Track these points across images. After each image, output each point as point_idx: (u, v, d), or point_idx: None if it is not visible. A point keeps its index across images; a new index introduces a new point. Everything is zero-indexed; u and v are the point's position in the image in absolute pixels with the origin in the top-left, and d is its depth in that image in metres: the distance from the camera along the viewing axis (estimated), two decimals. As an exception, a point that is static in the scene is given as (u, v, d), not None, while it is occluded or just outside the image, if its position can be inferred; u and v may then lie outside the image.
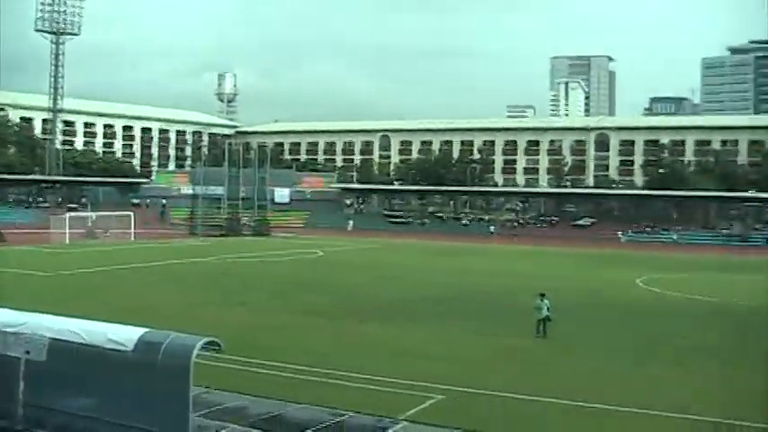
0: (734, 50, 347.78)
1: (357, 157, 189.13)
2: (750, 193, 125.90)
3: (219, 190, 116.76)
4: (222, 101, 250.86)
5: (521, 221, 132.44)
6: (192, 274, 57.92)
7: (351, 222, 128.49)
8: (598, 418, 21.91)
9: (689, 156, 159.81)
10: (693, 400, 23.62)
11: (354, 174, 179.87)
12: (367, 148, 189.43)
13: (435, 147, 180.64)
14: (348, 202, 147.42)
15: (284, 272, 60.86)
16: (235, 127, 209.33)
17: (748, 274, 66.94)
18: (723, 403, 23.44)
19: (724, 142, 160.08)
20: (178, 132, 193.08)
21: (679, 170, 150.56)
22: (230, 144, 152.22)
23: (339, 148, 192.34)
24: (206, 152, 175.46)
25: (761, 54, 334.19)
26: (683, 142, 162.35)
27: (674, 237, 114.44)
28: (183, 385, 14.83)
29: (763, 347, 32.94)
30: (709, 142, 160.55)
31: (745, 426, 20.72)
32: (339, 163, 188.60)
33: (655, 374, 27.54)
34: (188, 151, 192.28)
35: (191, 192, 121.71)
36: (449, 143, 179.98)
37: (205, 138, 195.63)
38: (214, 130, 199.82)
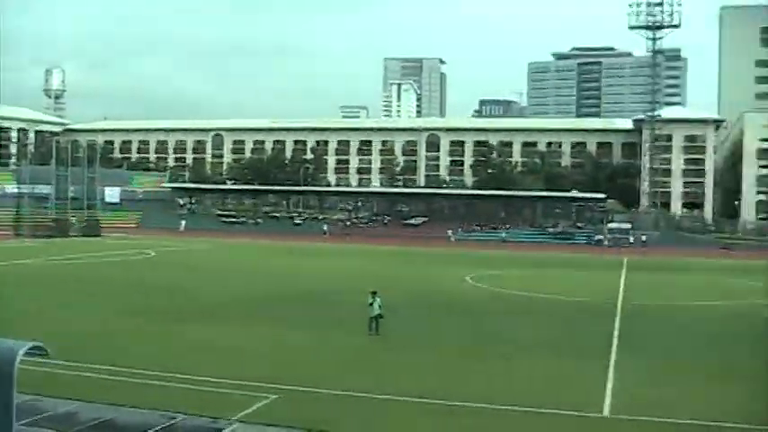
0: (558, 56, 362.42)
1: (189, 156, 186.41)
2: (573, 193, 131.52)
3: (47, 189, 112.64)
4: (50, 97, 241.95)
5: (354, 221, 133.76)
6: (14, 276, 55.68)
7: (183, 222, 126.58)
8: (427, 412, 22.49)
9: (516, 157, 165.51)
10: (518, 392, 24.70)
11: (187, 173, 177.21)
12: (199, 147, 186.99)
13: (268, 146, 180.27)
14: (181, 201, 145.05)
15: (114, 273, 59.35)
16: (63, 124, 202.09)
17: (573, 270, 69.93)
18: (551, 393, 24.59)
19: (549, 144, 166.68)
20: (2, 129, 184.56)
21: (507, 170, 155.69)
22: (58, 142, 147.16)
23: (171, 146, 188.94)
24: (32, 150, 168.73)
25: (583, 60, 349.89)
26: (510, 144, 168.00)
27: (503, 235, 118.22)
28: (5, 392, 14.23)
29: (580, 339, 34.65)
30: (535, 144, 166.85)
31: (564, 413, 21.93)
32: (171, 162, 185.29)
33: (481, 368, 28.45)
34: (13, 149, 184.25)
35: (15, 191, 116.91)
36: (282, 143, 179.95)
37: (31, 135, 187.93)
38: (41, 128, 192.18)
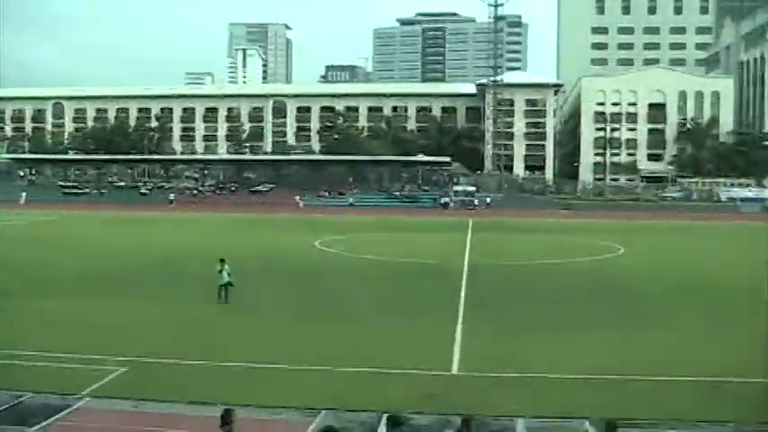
0: (403, 22, 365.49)
1: (28, 126, 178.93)
2: (419, 157, 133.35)
3: None
4: None
5: (200, 189, 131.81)
6: None
7: (24, 195, 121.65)
8: (276, 377, 22.53)
9: (362, 122, 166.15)
10: (367, 354, 25.02)
11: (26, 143, 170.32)
12: (39, 117, 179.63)
13: (111, 115, 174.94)
14: (21, 173, 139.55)
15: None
16: None
17: (420, 233, 71.03)
18: (400, 354, 25.00)
19: (395, 108, 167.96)
20: None
21: (353, 136, 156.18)
22: None
23: (8, 116, 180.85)
24: None
25: (427, 26, 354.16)
26: (356, 109, 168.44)
27: (351, 200, 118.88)
28: None
29: (428, 300, 35.30)
30: (380, 109, 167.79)
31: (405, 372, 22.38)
32: (9, 132, 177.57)
33: (331, 332, 28.63)
34: None
35: None
36: (125, 111, 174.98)
37: None
38: None
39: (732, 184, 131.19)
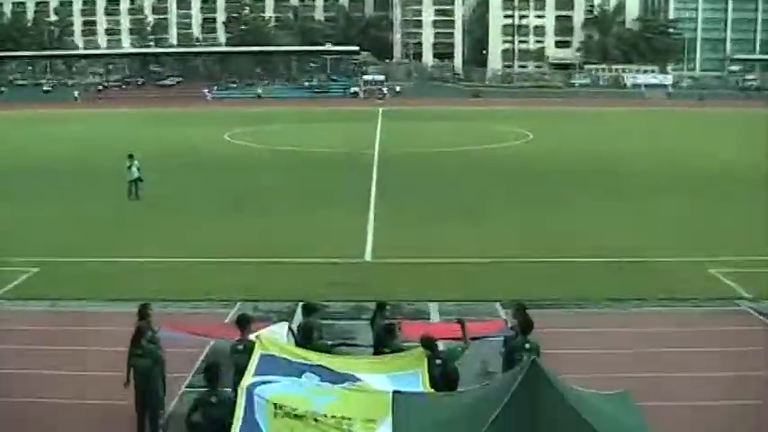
0: None
1: None
2: (327, 47, 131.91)
3: None
4: None
5: (106, 85, 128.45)
6: None
7: None
8: (190, 269, 22.63)
9: (269, 12, 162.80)
10: (279, 244, 25.25)
11: None
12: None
13: (7, 9, 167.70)
14: None
15: None
16: None
17: (330, 123, 70.83)
18: (313, 243, 25.28)
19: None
20: None
21: (260, 26, 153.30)
22: None
23: None
24: None
25: None
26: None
27: (259, 91, 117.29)
28: None
29: (340, 190, 35.49)
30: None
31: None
32: None
33: (243, 224, 28.71)
34: None
35: None
36: (22, 5, 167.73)
37: None
38: None
39: (637, 71, 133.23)
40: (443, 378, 10.92)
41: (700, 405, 13.87)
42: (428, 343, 12.04)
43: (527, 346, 12.45)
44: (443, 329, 13.60)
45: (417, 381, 11.03)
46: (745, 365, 15.56)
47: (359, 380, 11.18)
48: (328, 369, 11.35)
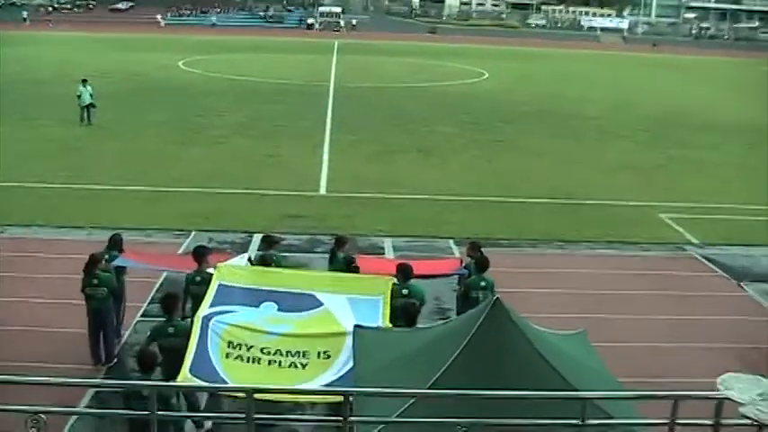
0: None
1: None
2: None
3: None
4: None
5: (56, 6, 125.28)
6: None
7: None
8: (144, 198, 22.47)
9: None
10: (233, 174, 25.15)
11: None
12: None
13: None
14: None
15: None
16: None
17: (285, 54, 70.01)
18: (269, 174, 25.20)
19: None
20: None
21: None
22: None
23: None
24: None
25: None
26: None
27: (214, 19, 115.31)
28: None
29: (295, 122, 35.27)
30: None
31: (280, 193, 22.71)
32: None
33: (197, 153, 28.54)
34: None
35: None
36: None
37: None
38: None
39: (594, 14, 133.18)
40: (403, 311, 11.00)
41: (649, 346, 14.22)
42: (405, 269, 12.19)
43: (482, 284, 12.64)
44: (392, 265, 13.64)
45: (378, 307, 11.10)
46: (688, 309, 15.98)
47: (319, 303, 11.22)
48: (287, 294, 11.39)
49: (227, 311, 10.95)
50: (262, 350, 10.35)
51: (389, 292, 11.35)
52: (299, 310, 11.11)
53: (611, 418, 7.26)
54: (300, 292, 11.39)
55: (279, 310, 11.12)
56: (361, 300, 11.22)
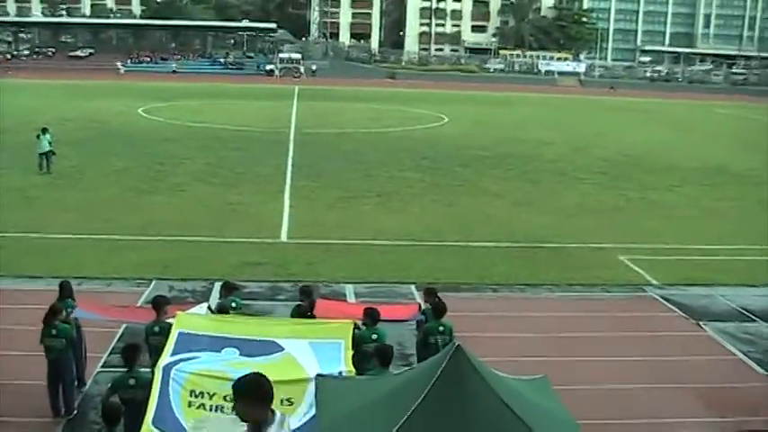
0: None
1: None
2: (243, 23, 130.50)
3: None
4: None
5: (14, 54, 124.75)
6: None
7: None
8: (104, 247, 22.29)
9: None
10: (195, 222, 25.08)
11: None
12: None
13: None
14: None
15: None
16: None
17: (245, 101, 70.21)
18: (229, 221, 25.16)
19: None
20: None
21: (176, 0, 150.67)
22: None
23: None
24: None
25: None
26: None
27: (174, 66, 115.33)
28: None
29: (255, 168, 35.26)
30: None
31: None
32: None
33: (157, 200, 28.41)
34: None
35: None
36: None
37: None
38: None
39: (551, 58, 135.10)
40: (380, 353, 10.95)
41: (612, 389, 14.30)
42: (372, 313, 12.26)
43: (441, 328, 12.73)
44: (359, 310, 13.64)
45: (340, 351, 11.07)
46: (650, 350, 16.11)
47: (280, 348, 11.17)
48: (248, 340, 11.33)
49: (189, 358, 10.87)
50: (224, 398, 10.28)
51: (351, 336, 11.36)
52: (261, 355, 11.07)
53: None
54: (262, 339, 11.36)
55: (240, 354, 11.07)
56: (323, 344, 11.21)
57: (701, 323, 17.82)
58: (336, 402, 8.48)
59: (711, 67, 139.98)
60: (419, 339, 13.30)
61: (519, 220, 27.23)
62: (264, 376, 6.32)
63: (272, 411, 6.20)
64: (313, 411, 9.37)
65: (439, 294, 13.80)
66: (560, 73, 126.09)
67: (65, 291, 13.73)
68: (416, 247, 23.31)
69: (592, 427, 9.44)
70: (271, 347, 11.17)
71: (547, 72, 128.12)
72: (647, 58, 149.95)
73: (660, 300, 19.37)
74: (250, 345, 11.22)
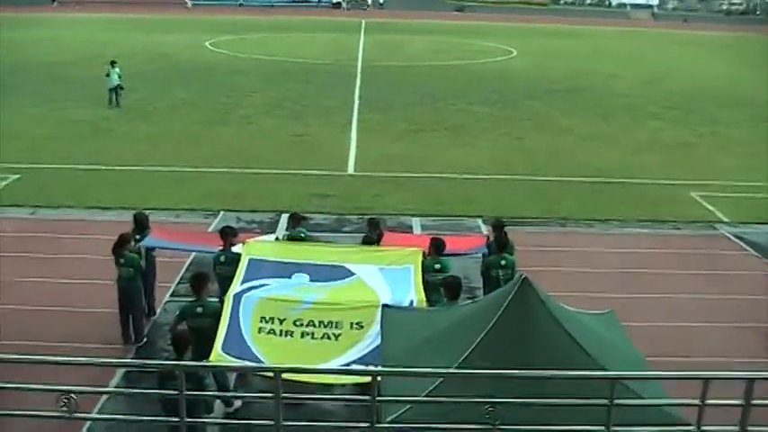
0: None
1: None
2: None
3: None
4: None
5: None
6: None
7: None
8: (173, 179, 22.52)
9: None
10: (263, 156, 25.17)
11: None
12: None
13: None
14: None
15: None
16: None
17: (313, 33, 69.86)
18: (297, 154, 25.21)
19: None
20: None
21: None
22: None
23: None
24: None
25: None
26: None
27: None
28: None
29: (323, 101, 35.19)
30: None
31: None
32: None
33: (225, 133, 28.55)
34: None
35: None
36: None
37: None
38: None
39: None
40: (447, 286, 10.81)
41: (678, 326, 14.13)
42: (438, 244, 12.25)
43: (502, 262, 12.63)
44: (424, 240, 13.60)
45: (410, 276, 11.09)
46: (719, 288, 15.85)
47: (351, 273, 11.23)
48: (318, 266, 11.40)
49: (259, 286, 10.99)
50: (294, 323, 10.39)
51: (420, 262, 11.38)
52: (332, 280, 11.13)
53: (640, 398, 7.21)
54: (332, 264, 11.42)
55: (311, 280, 11.16)
56: (393, 270, 11.24)
57: (772, 262, 17.48)
58: (400, 333, 8.50)
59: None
60: (481, 272, 13.26)
61: (589, 154, 26.81)
62: None
63: None
64: (379, 341, 9.41)
65: (506, 228, 13.68)
66: (633, 5, 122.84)
67: (140, 222, 13.90)
68: (484, 180, 23.14)
69: (656, 363, 9.29)
70: (341, 272, 11.24)
71: (619, 5, 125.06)
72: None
73: (731, 237, 19.00)
74: (320, 270, 11.29)
